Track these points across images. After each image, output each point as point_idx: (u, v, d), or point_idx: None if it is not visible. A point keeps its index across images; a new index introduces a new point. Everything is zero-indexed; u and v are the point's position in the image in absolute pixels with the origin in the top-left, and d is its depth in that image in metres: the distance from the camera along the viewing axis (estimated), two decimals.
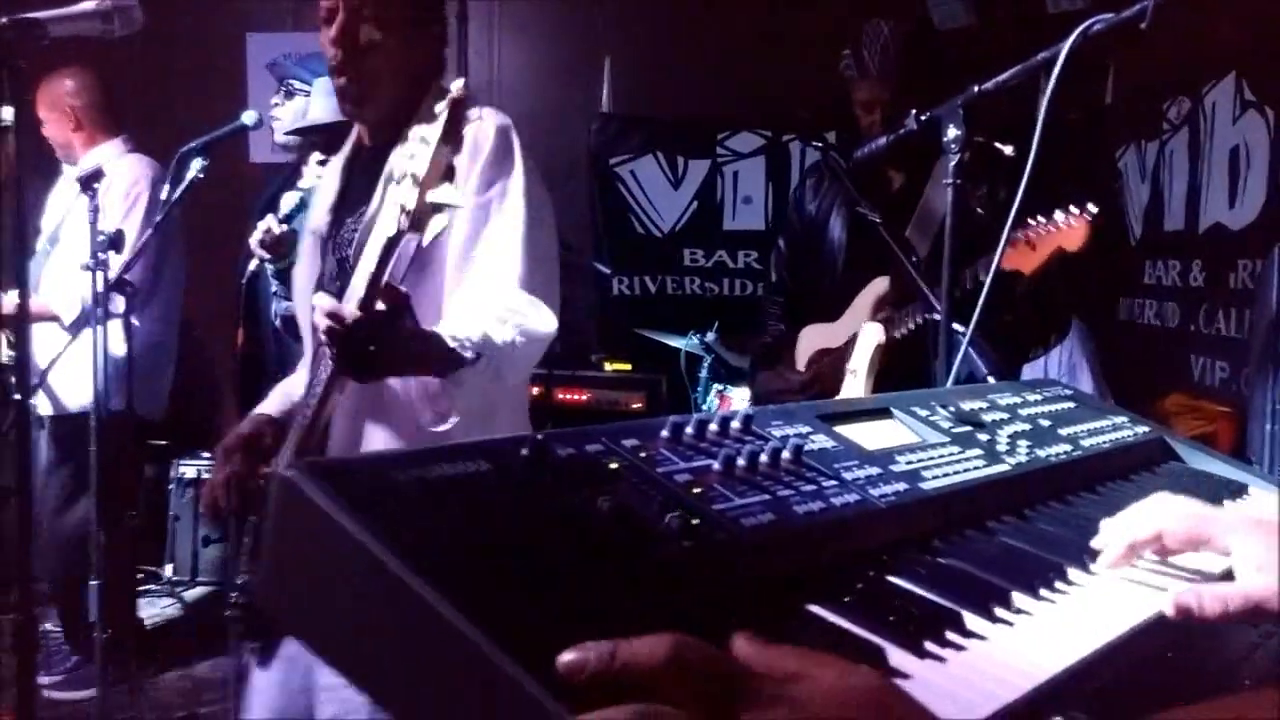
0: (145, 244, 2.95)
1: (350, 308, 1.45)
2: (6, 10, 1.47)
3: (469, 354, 1.56)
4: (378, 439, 1.73)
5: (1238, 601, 0.79)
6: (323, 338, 1.45)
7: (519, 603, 0.60)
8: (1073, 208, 1.95)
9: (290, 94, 3.50)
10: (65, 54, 2.98)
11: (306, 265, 1.97)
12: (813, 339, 2.54)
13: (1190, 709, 0.62)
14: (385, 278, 1.46)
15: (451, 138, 1.39)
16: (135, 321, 3.09)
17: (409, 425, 1.70)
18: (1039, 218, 1.96)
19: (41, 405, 3.33)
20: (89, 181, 2.65)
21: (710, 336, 4.10)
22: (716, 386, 4.04)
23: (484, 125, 1.77)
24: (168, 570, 4.33)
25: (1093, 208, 1.96)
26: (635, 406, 4.55)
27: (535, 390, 4.57)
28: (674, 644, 0.52)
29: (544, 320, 1.71)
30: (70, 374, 3.13)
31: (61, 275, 3.26)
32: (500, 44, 5.53)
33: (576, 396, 4.72)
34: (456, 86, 1.41)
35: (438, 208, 1.42)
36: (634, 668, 0.51)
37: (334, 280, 1.86)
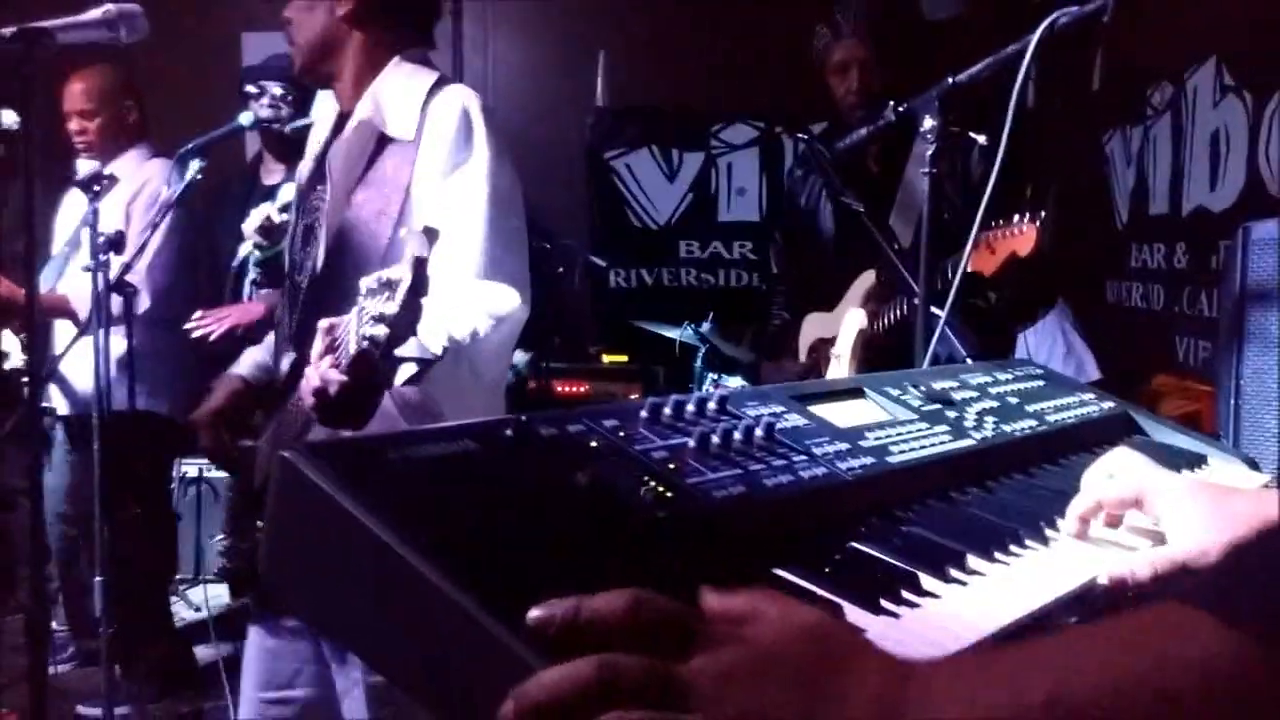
0: (154, 243, 3.01)
1: (335, 377, 1.42)
2: (17, 19, 1.51)
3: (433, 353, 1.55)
4: None
5: (1165, 564, 0.84)
6: (309, 401, 1.46)
7: (501, 568, 0.65)
8: (1028, 214, 1.92)
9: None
10: (69, 61, 3.04)
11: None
12: (814, 327, 2.58)
13: (1084, 626, 0.67)
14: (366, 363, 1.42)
15: (419, 292, 1.34)
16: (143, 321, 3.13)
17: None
18: (1000, 221, 1.94)
19: (58, 405, 3.38)
20: (90, 184, 2.70)
21: (705, 327, 4.14)
22: (711, 376, 4.08)
23: (447, 107, 1.75)
24: None
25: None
26: (633, 398, 4.59)
27: (533, 384, 4.62)
28: (632, 597, 0.56)
29: (506, 300, 1.68)
30: (83, 373, 3.15)
31: (80, 277, 3.28)
32: (494, 39, 5.57)
33: (575, 388, 4.77)
34: (417, 245, 1.34)
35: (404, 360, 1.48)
36: (597, 621, 0.55)
37: (303, 245, 1.89)
